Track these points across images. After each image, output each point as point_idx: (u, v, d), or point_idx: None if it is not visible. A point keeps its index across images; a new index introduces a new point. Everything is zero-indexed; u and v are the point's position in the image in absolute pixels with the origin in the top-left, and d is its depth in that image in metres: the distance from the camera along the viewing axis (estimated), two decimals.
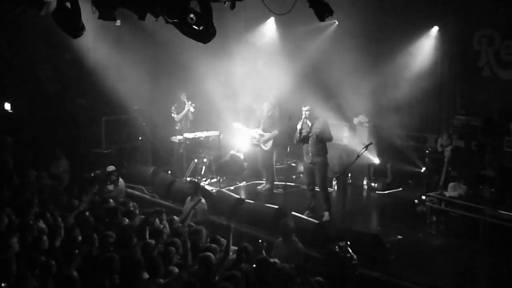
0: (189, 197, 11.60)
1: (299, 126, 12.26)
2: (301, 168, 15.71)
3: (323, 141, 12.18)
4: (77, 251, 7.89)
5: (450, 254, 10.60)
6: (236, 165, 15.50)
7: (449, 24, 14.10)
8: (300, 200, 13.20)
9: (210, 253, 7.90)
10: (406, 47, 14.75)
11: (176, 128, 15.23)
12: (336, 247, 8.39)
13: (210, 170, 15.09)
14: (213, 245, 8.41)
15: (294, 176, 15.36)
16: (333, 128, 12.84)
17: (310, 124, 12.17)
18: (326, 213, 12.18)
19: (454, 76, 14.65)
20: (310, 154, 12.24)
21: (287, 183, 13.30)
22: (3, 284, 6.93)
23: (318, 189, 12.29)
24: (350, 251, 8.32)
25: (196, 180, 12.86)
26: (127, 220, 9.55)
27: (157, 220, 9.51)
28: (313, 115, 12.28)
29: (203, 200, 11.36)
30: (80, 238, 8.54)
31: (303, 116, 12.22)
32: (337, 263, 8.11)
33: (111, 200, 10.99)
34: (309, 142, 12.23)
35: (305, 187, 12.68)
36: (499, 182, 11.85)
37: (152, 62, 15.88)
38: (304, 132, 12.19)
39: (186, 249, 8.31)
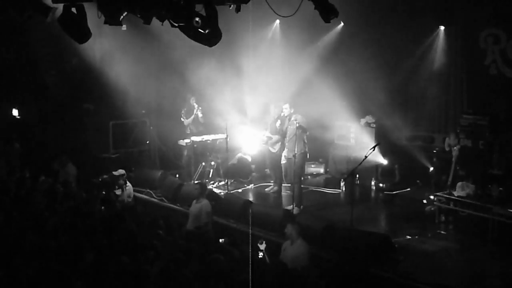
0: (195, 200, 11.35)
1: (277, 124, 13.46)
2: (309, 169, 15.69)
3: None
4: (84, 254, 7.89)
5: (459, 253, 10.58)
6: (244, 167, 15.51)
7: (455, 24, 14.10)
8: (308, 201, 13.22)
9: (219, 255, 7.81)
10: (412, 47, 14.77)
11: (187, 132, 15.25)
12: (346, 248, 8.38)
13: (218, 173, 15.11)
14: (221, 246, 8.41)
15: (302, 178, 15.33)
16: (340, 128, 12.87)
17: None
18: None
19: (461, 75, 14.63)
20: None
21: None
22: None
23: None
24: (361, 252, 8.31)
25: (203, 182, 12.74)
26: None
27: None
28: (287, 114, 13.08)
29: (207, 202, 11.20)
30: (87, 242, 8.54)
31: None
32: (347, 263, 8.09)
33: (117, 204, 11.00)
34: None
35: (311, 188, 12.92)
36: (508, 181, 11.82)
37: (159, 66, 15.90)
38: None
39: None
